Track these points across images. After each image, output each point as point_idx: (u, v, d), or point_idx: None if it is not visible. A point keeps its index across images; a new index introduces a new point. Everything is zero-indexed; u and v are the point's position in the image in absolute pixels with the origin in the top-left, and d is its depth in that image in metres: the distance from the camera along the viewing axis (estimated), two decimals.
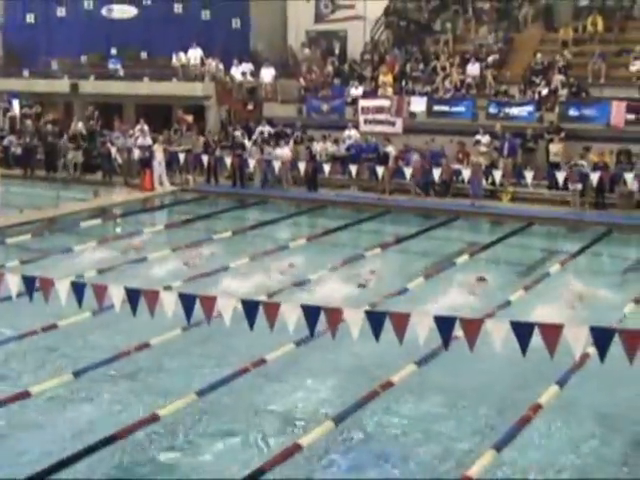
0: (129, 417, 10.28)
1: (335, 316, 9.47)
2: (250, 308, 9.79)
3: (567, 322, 8.92)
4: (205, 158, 26.72)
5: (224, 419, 10.44)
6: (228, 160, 26.38)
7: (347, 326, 9.52)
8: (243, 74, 30.81)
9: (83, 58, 33.57)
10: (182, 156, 27.09)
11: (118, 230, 21.45)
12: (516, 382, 11.56)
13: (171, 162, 27.19)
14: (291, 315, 9.61)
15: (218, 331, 12.71)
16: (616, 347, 8.53)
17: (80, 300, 10.61)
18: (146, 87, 31.04)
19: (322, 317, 9.51)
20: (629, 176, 22.10)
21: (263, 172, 26.32)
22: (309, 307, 9.64)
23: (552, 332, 8.73)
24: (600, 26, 27.87)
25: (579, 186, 22.68)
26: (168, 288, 13.74)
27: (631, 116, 24.03)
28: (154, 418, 10.06)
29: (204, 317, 10.24)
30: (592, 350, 9.57)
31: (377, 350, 11.61)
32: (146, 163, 26.46)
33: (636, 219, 21.74)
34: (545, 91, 26.01)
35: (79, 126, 29.60)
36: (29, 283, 10.86)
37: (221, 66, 31.01)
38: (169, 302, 10.08)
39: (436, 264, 17.51)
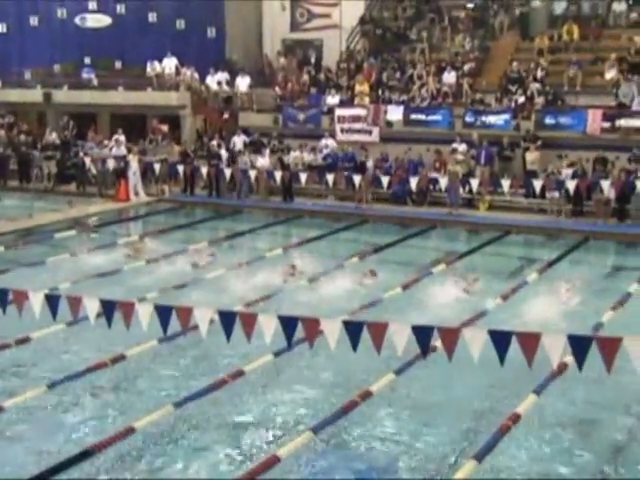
0: (105, 430, 10.23)
1: (312, 326, 9.47)
2: (227, 319, 9.76)
3: (545, 330, 8.95)
4: (181, 168, 26.65)
5: (202, 431, 10.40)
6: (204, 170, 26.34)
7: (325, 336, 9.53)
8: (219, 83, 30.83)
9: (56, 67, 33.49)
10: (157, 166, 27.03)
11: (93, 241, 21.32)
12: (495, 391, 11.60)
13: (146, 172, 27.13)
14: (268, 326, 9.60)
15: (195, 342, 12.75)
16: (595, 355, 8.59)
17: (54, 312, 10.54)
18: (120, 97, 30.98)
19: (300, 327, 9.52)
20: (605, 184, 22.27)
21: (239, 182, 26.32)
22: (286, 318, 9.64)
23: (530, 341, 8.77)
24: (576, 34, 28.14)
25: (556, 194, 22.85)
26: (143, 299, 13.70)
27: (607, 124, 24.24)
28: (130, 430, 10.01)
29: (181, 328, 10.21)
30: (570, 359, 9.62)
31: (355, 360, 11.67)
32: (121, 173, 26.37)
33: (613, 227, 21.94)
34: (521, 99, 26.19)
35: (53, 136, 29.48)
36: (2, 296, 10.78)
37: (196, 75, 31.01)
38: (145, 313, 10.03)
39: (413, 273, 17.53)
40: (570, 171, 23.05)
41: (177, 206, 26.09)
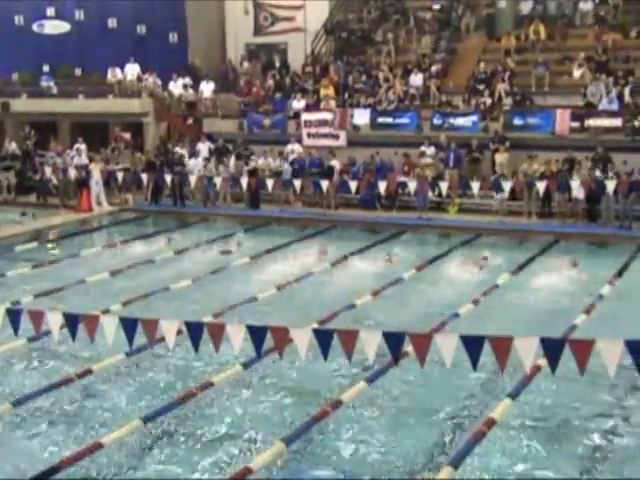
0: (72, 446, 10.16)
1: (282, 335, 9.47)
2: (194, 330, 9.74)
3: (517, 334, 9.02)
4: (145, 176, 26.53)
5: (171, 445, 10.37)
6: (168, 178, 26.23)
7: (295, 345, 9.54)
8: (185, 86, 30.73)
9: (14, 76, 33.18)
10: (120, 175, 26.90)
11: (54, 253, 21.17)
12: (468, 396, 11.67)
13: (109, 181, 26.99)
14: (237, 336, 9.59)
15: (162, 355, 12.72)
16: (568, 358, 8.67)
17: (16, 327, 10.45)
18: (81, 105, 30.81)
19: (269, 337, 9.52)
20: (575, 184, 22.48)
21: (204, 189, 26.27)
22: (254, 327, 9.63)
23: (502, 344, 8.83)
24: (542, 34, 28.45)
25: (505, 195, 23.09)
26: (107, 312, 13.64)
27: (575, 124, 24.50)
28: (98, 446, 9.94)
29: (147, 341, 10.17)
30: (544, 362, 9.71)
31: (326, 368, 11.71)
32: (83, 183, 26.21)
33: (582, 228, 22.16)
34: (489, 100, 26.42)
35: (12, 146, 29.25)
36: None
37: (159, 81, 30.92)
38: (109, 326, 9.98)
39: (383, 279, 17.59)
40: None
41: (141, 215, 25.99)
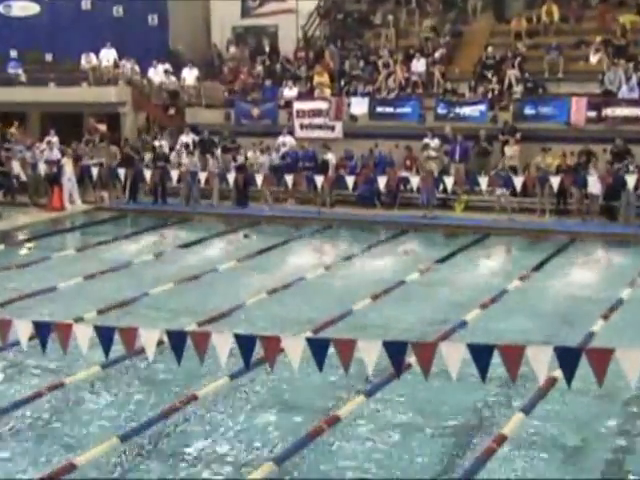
0: (42, 467, 10.10)
1: (272, 345, 9.43)
2: (177, 340, 9.70)
3: (529, 342, 9.01)
4: (122, 172, 26.46)
5: (152, 465, 10.31)
6: (148, 173, 26.18)
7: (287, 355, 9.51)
8: (166, 73, 30.68)
9: None
10: (95, 170, 26.82)
11: (24, 256, 21.12)
12: (477, 411, 11.65)
13: (83, 177, 26.92)
14: (223, 345, 9.55)
15: (142, 367, 12.67)
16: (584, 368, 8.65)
17: None
18: (52, 93, 30.74)
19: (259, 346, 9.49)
20: (592, 179, 22.45)
21: (188, 186, 26.23)
22: (243, 336, 9.60)
23: (513, 354, 8.81)
24: (556, 16, 28.44)
25: (504, 190, 23.17)
26: (81, 320, 13.59)
27: (592, 113, 24.50)
28: (71, 467, 9.89)
29: (125, 351, 10.13)
30: (559, 373, 9.69)
31: (322, 381, 11.67)
32: (54, 179, 26.15)
33: (600, 226, 22.16)
34: (498, 88, 26.42)
35: None
36: None
37: (137, 68, 30.88)
38: (83, 336, 9.93)
39: (384, 283, 17.58)
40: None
41: (118, 215, 25.94)
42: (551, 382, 11.09)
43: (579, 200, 23.00)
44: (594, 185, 22.49)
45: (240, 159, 26.41)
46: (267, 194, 25.64)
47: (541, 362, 8.71)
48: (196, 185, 26.12)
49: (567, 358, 8.66)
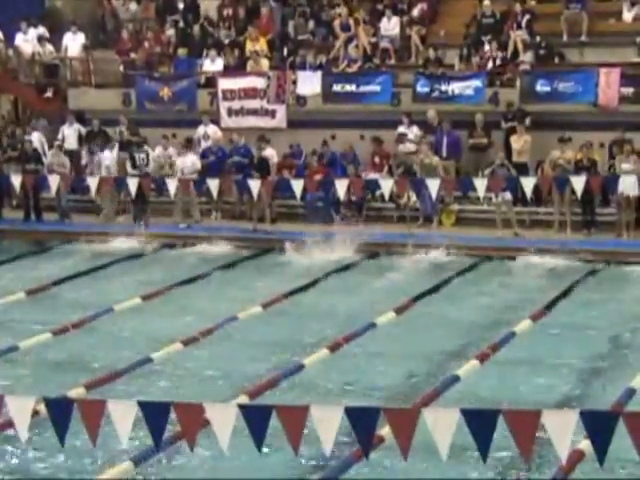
0: None
1: (192, 416, 9.39)
2: (58, 410, 9.62)
3: (544, 405, 9.08)
4: None
5: None
6: (17, 180, 25.97)
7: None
8: (40, 41, 30.56)
9: None
10: None
11: None
12: None
13: None
14: (124, 418, 9.47)
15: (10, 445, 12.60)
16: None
17: None
18: None
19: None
20: (630, 180, 22.35)
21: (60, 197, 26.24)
22: (151, 404, 9.54)
23: (524, 421, 8.84)
24: None
25: (507, 196, 23.39)
26: None
27: (628, 89, 24.69)
28: None
29: None
30: (586, 445, 9.75)
31: (262, 464, 11.64)
32: None
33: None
34: (499, 57, 26.58)
35: None
36: None
37: (0, 34, 30.80)
38: None
39: (346, 327, 17.63)
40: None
41: None
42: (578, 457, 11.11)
43: (615, 209, 23.12)
44: (631, 186, 22.57)
45: (143, 158, 26.34)
46: (182, 206, 25.69)
47: (563, 432, 8.75)
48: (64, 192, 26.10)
49: (598, 424, 8.70)
